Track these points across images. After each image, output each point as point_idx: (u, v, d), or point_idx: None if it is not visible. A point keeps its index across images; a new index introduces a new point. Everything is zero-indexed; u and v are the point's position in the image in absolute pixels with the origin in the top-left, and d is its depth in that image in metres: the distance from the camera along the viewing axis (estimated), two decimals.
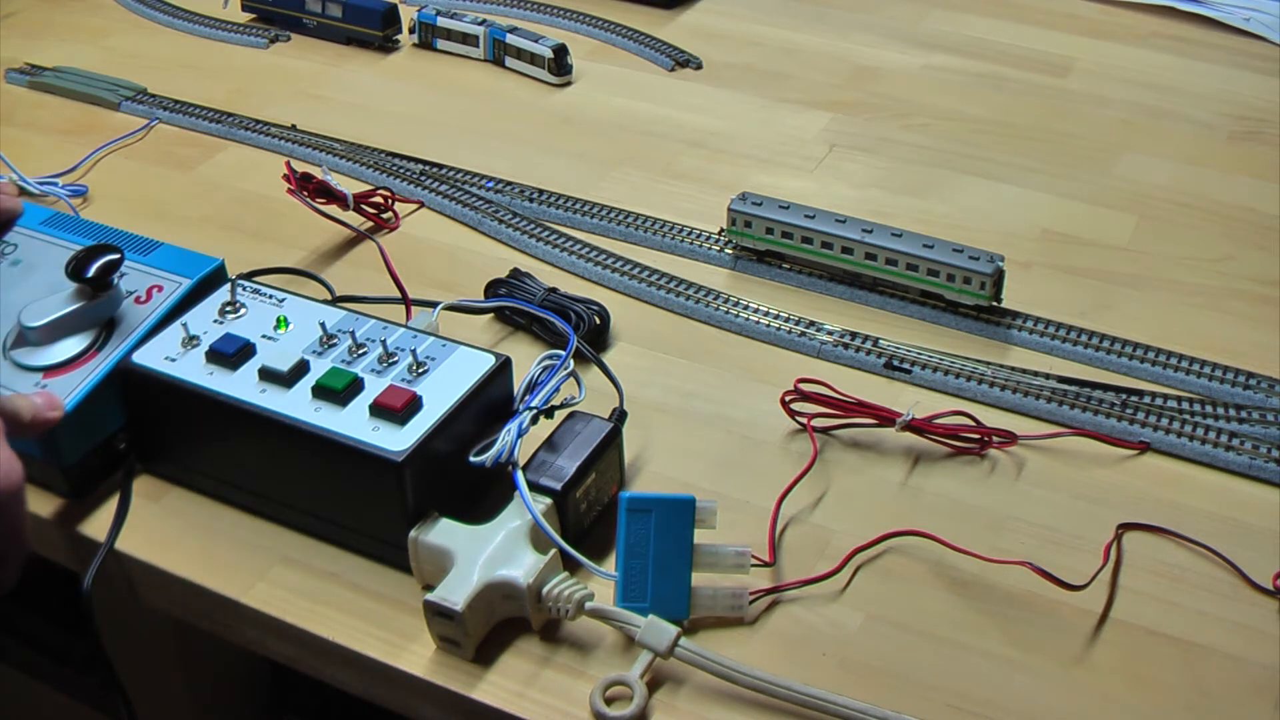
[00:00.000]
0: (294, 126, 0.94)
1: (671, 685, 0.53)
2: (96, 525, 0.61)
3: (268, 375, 0.59)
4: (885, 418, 0.65)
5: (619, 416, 0.63)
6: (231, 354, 0.60)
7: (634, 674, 0.53)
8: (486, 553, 0.54)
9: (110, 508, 0.61)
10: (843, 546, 0.59)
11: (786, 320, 0.74)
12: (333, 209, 0.81)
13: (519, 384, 0.61)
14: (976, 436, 0.65)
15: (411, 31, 1.08)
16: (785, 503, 0.61)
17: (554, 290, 0.73)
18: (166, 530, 0.61)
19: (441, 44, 1.07)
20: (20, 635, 0.87)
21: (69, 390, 0.60)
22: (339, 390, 0.58)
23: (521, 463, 0.57)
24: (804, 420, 0.66)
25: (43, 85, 1.01)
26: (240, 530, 0.61)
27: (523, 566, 0.54)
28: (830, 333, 0.73)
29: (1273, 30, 1.09)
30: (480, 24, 1.05)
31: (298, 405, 0.58)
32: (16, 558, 0.51)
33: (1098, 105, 0.99)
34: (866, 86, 1.02)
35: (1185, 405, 0.68)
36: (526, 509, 0.55)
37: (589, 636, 0.55)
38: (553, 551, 0.55)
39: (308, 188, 0.80)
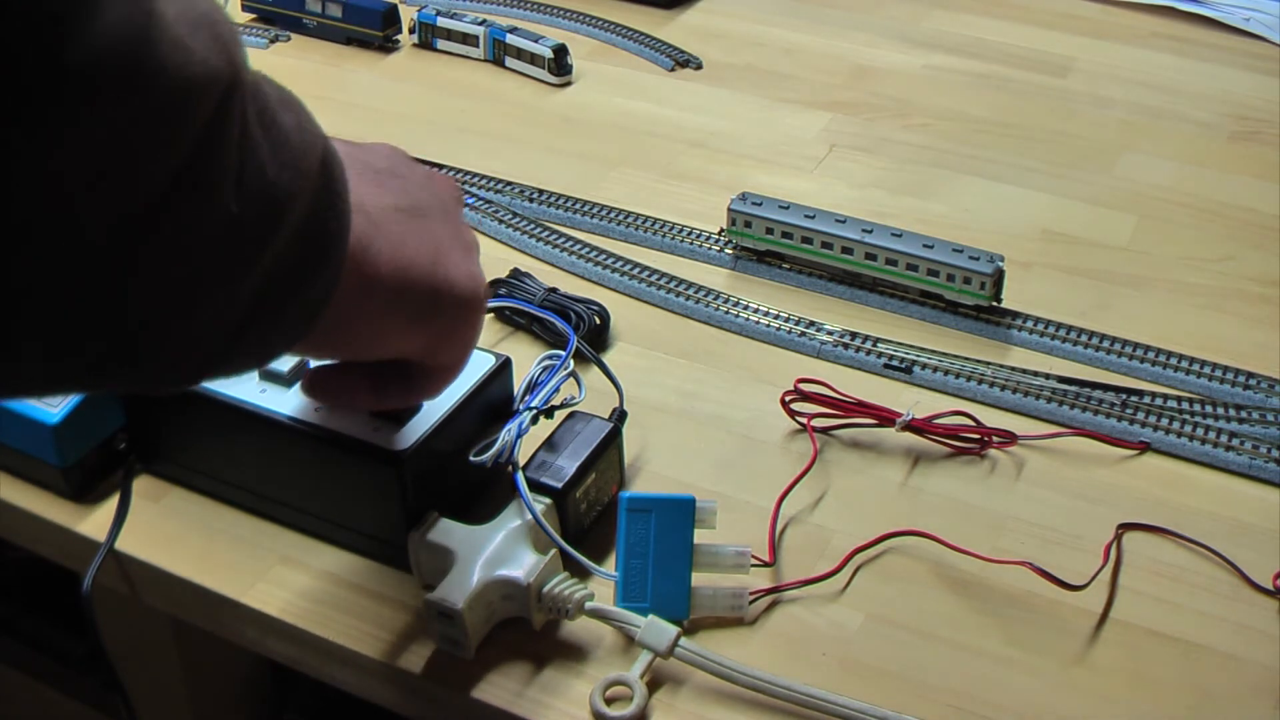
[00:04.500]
0: None
1: (671, 685, 0.53)
2: (96, 525, 0.61)
3: (268, 375, 0.59)
4: (885, 418, 0.65)
5: (619, 416, 0.63)
6: None
7: (634, 674, 0.53)
8: (486, 553, 0.54)
9: (110, 508, 0.61)
10: (843, 546, 0.59)
11: (786, 320, 0.74)
12: None
13: (519, 384, 0.61)
14: (976, 436, 0.65)
15: (411, 31, 1.08)
16: (785, 503, 0.61)
17: (554, 290, 0.73)
18: (166, 530, 0.61)
19: (441, 44, 1.07)
20: (20, 635, 0.87)
21: None
22: None
23: (521, 463, 0.57)
24: (804, 420, 0.66)
25: None
26: (240, 530, 0.61)
27: (523, 566, 0.54)
28: (830, 333, 0.73)
29: (1273, 30, 1.09)
30: (480, 24, 1.05)
31: (298, 405, 0.58)
32: (456, 371, 0.53)
33: (1098, 105, 0.99)
34: (866, 86, 1.02)
35: (1185, 405, 0.68)
36: (526, 509, 0.55)
37: (589, 636, 0.55)
38: (553, 551, 0.55)
39: None
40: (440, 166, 0.90)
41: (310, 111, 0.42)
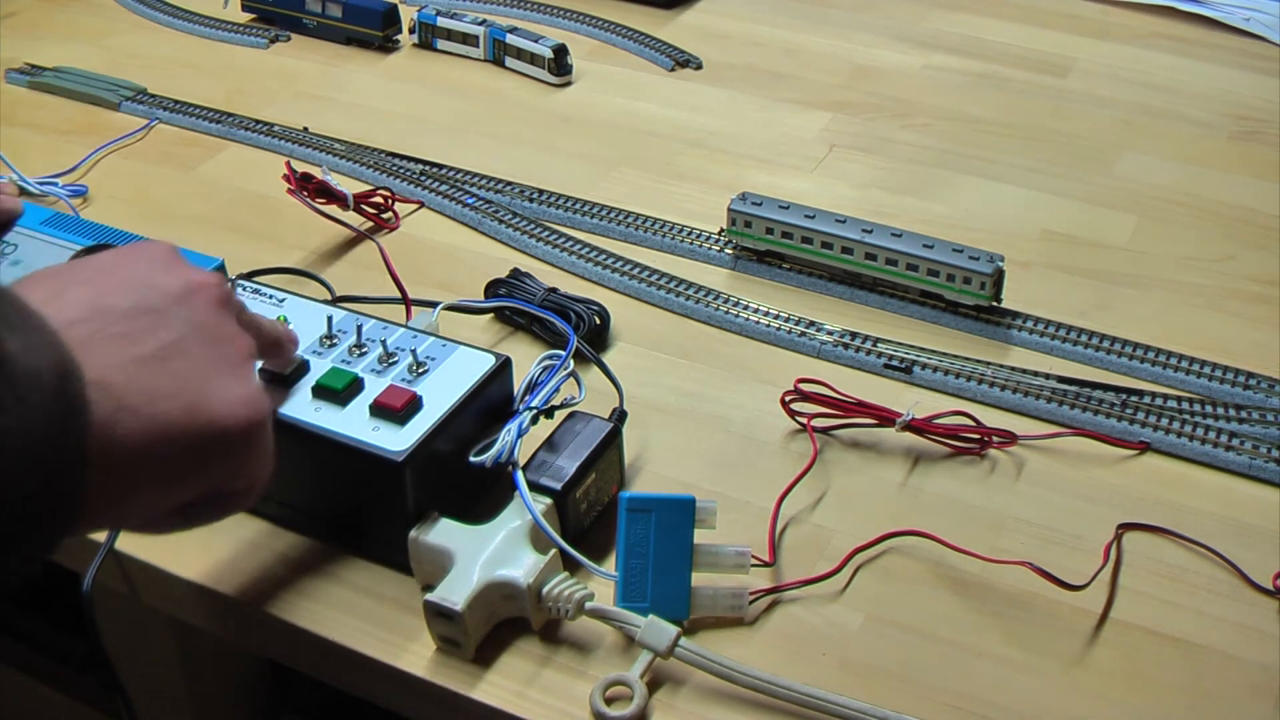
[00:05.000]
0: (306, 129, 0.94)
1: (671, 685, 0.53)
2: None
3: (268, 376, 0.59)
4: (885, 418, 0.65)
5: (619, 416, 0.63)
6: None
7: (634, 674, 0.53)
8: (486, 553, 0.54)
9: None
10: (843, 546, 0.59)
11: (786, 320, 0.74)
12: (333, 209, 0.81)
13: (519, 384, 0.61)
14: (976, 436, 0.65)
15: (411, 31, 1.08)
16: (785, 503, 0.61)
17: (554, 290, 0.73)
18: None
19: (441, 44, 1.07)
20: (20, 635, 0.87)
21: None
22: (339, 390, 0.58)
23: (521, 463, 0.57)
24: (804, 420, 0.66)
25: (43, 85, 1.01)
26: (240, 530, 0.61)
27: (523, 566, 0.54)
28: (830, 333, 0.73)
29: (1273, 30, 1.09)
30: (480, 24, 1.05)
31: (298, 405, 0.58)
32: (259, 487, 0.50)
33: (1098, 105, 0.99)
34: (866, 86, 1.02)
35: (1185, 405, 0.68)
36: (526, 509, 0.55)
37: (589, 636, 0.55)
38: (553, 551, 0.55)
39: (308, 188, 0.80)
40: (440, 166, 0.90)
41: (36, 314, 0.40)
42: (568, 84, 1.02)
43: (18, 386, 0.38)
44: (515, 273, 0.76)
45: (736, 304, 0.75)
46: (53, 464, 0.39)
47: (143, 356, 0.45)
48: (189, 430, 0.45)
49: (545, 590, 0.53)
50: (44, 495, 0.39)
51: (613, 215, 0.84)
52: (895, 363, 0.71)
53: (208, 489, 0.47)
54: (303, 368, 0.59)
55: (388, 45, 1.07)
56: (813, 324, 0.74)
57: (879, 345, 0.72)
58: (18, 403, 0.38)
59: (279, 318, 0.63)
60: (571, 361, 0.61)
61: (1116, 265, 0.80)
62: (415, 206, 0.86)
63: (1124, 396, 0.68)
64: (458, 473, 0.57)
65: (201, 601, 0.59)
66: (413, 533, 0.56)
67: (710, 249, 0.81)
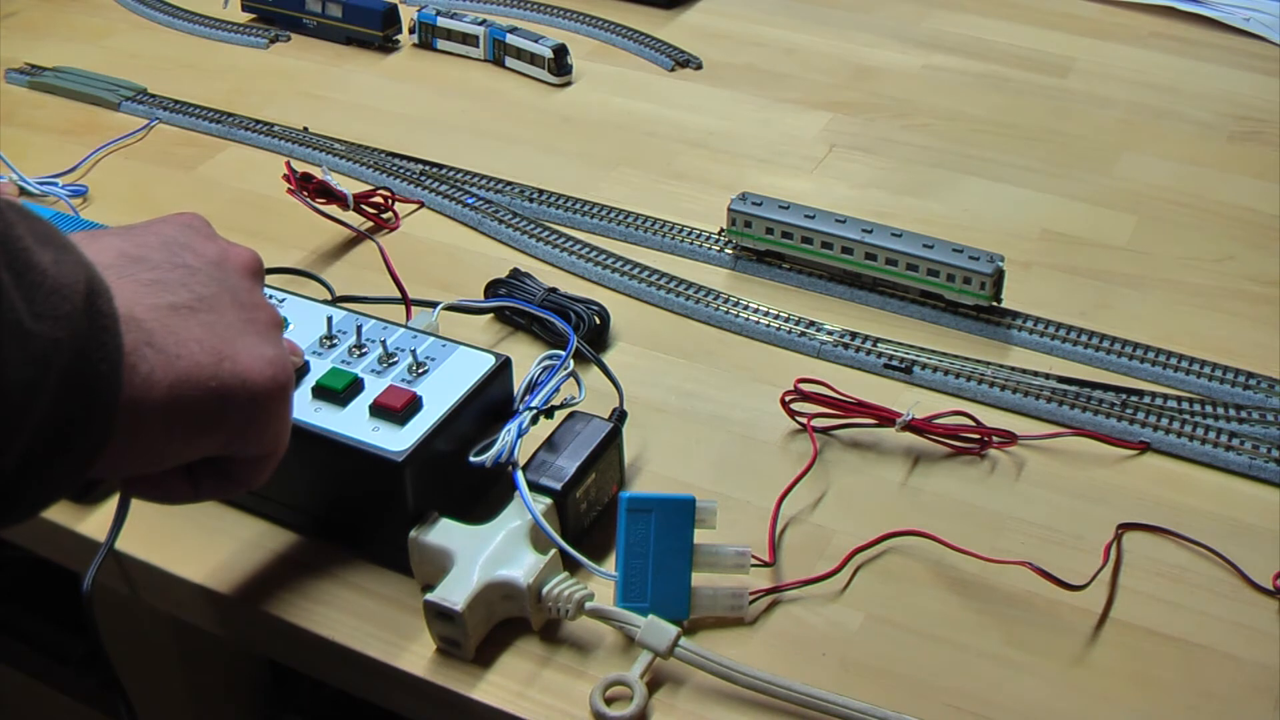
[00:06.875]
0: (306, 129, 0.94)
1: (671, 685, 0.53)
2: (96, 525, 0.61)
3: None
4: (885, 418, 0.65)
5: (619, 416, 0.63)
6: None
7: (634, 674, 0.53)
8: (486, 553, 0.54)
9: (110, 508, 0.61)
10: (843, 546, 0.59)
11: (786, 320, 0.74)
12: (333, 209, 0.81)
13: (519, 384, 0.61)
14: (976, 436, 0.65)
15: (411, 31, 1.08)
16: (785, 503, 0.61)
17: (554, 290, 0.73)
18: (166, 530, 0.61)
19: (441, 44, 1.07)
20: (20, 635, 0.87)
21: None
22: (339, 390, 0.58)
23: (521, 463, 0.57)
24: (804, 420, 0.66)
25: (43, 85, 1.01)
26: (240, 530, 0.61)
27: (523, 566, 0.54)
28: (830, 333, 0.73)
29: (1273, 30, 1.09)
30: (480, 24, 1.05)
31: (298, 406, 0.57)
32: (273, 461, 0.50)
33: (1098, 105, 0.99)
34: (866, 86, 1.02)
35: (1185, 405, 0.68)
36: (526, 509, 0.55)
37: (589, 636, 0.55)
38: (553, 551, 0.55)
39: (308, 188, 0.80)
40: (440, 166, 0.90)
41: (69, 239, 0.40)
42: (568, 84, 1.02)
43: (52, 297, 0.38)
44: (515, 273, 0.76)
45: (736, 304, 0.75)
46: (82, 376, 0.39)
47: (173, 304, 0.45)
48: (213, 382, 0.45)
49: (545, 590, 0.53)
50: (72, 404, 0.39)
51: (613, 215, 0.84)
52: (895, 363, 0.71)
53: (225, 447, 0.47)
54: (303, 368, 0.59)
55: (388, 45, 1.07)
56: (813, 324, 0.74)
57: (879, 345, 0.72)
58: (46, 314, 0.38)
59: None
60: (571, 361, 0.61)
61: (1116, 265, 0.80)
62: (415, 206, 0.86)
63: (1124, 396, 0.68)
64: (458, 473, 0.57)
65: (201, 601, 0.59)
66: (413, 533, 0.56)
67: (710, 249, 0.81)
